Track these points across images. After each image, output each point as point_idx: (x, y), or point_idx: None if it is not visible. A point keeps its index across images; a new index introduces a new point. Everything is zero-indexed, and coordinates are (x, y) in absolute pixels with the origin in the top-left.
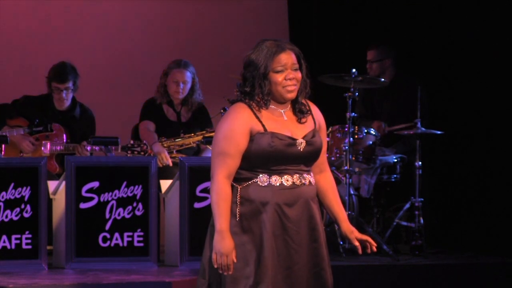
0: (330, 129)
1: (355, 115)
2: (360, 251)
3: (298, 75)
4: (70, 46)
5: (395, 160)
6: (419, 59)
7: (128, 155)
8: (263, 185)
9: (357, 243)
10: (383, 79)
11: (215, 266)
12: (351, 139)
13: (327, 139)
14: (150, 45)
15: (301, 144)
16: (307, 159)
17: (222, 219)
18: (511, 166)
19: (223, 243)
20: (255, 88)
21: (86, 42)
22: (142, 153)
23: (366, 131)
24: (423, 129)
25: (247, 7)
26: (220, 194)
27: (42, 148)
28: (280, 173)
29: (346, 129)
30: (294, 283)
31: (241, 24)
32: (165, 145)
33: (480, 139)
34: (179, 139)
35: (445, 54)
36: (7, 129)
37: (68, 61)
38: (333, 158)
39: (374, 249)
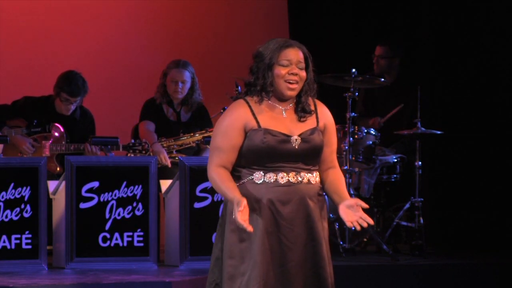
0: None
1: (355, 115)
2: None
3: (302, 73)
4: (70, 46)
5: (395, 160)
6: (420, 59)
7: (129, 154)
8: (258, 182)
9: (349, 219)
10: (383, 79)
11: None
12: (351, 139)
13: None
14: (150, 45)
15: (296, 141)
16: (304, 157)
17: (232, 193)
18: (511, 166)
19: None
20: (258, 79)
21: (86, 42)
22: (144, 152)
23: (366, 131)
24: (423, 129)
25: (247, 7)
26: (219, 176)
27: (44, 149)
28: (275, 170)
29: (346, 129)
30: (289, 281)
31: (241, 24)
32: (164, 145)
33: (480, 139)
34: (179, 139)
35: (446, 54)
36: (6, 130)
37: (78, 71)
38: None
39: (365, 224)
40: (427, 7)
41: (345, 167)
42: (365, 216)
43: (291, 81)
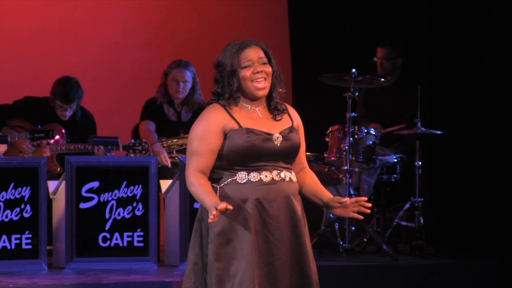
0: (330, 129)
1: (355, 115)
2: (359, 216)
3: (267, 68)
4: (70, 47)
5: (395, 160)
6: (420, 59)
7: (130, 154)
8: (242, 182)
9: (352, 214)
10: (383, 79)
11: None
12: (351, 139)
13: (327, 139)
14: (150, 45)
15: (278, 139)
16: (285, 155)
17: (209, 198)
18: (511, 166)
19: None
20: (225, 87)
21: (86, 42)
22: (144, 152)
23: (366, 131)
24: (423, 129)
25: (247, 7)
26: (197, 181)
27: (44, 149)
28: (259, 170)
29: (346, 129)
30: (277, 278)
31: (241, 24)
32: (165, 145)
33: (480, 139)
34: (179, 139)
35: (446, 54)
36: (8, 131)
37: (73, 77)
38: (333, 158)
39: (367, 210)
40: (427, 7)
41: (345, 167)
42: (358, 199)
43: (258, 79)
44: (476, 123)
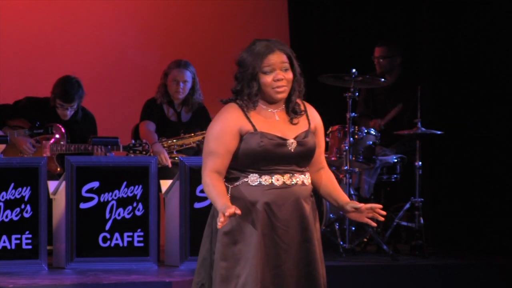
0: (330, 129)
1: (355, 115)
2: (372, 223)
3: (288, 75)
4: (70, 47)
5: (395, 160)
6: (420, 59)
7: (130, 155)
8: (253, 184)
9: (366, 220)
10: (383, 79)
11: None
12: (351, 139)
13: (327, 139)
14: (150, 45)
15: (292, 144)
16: (299, 159)
17: (220, 200)
18: (511, 166)
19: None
20: (244, 88)
21: (86, 42)
22: (144, 152)
23: (366, 131)
24: (423, 129)
25: (247, 7)
26: (211, 182)
27: (45, 149)
28: (271, 173)
29: (346, 129)
30: (283, 282)
31: (241, 24)
32: (165, 145)
33: (481, 139)
34: (179, 139)
35: (446, 54)
36: (8, 130)
37: (74, 76)
38: (333, 158)
39: (382, 218)
40: (428, 7)
41: (345, 167)
42: (373, 207)
43: (279, 87)
44: (476, 123)
